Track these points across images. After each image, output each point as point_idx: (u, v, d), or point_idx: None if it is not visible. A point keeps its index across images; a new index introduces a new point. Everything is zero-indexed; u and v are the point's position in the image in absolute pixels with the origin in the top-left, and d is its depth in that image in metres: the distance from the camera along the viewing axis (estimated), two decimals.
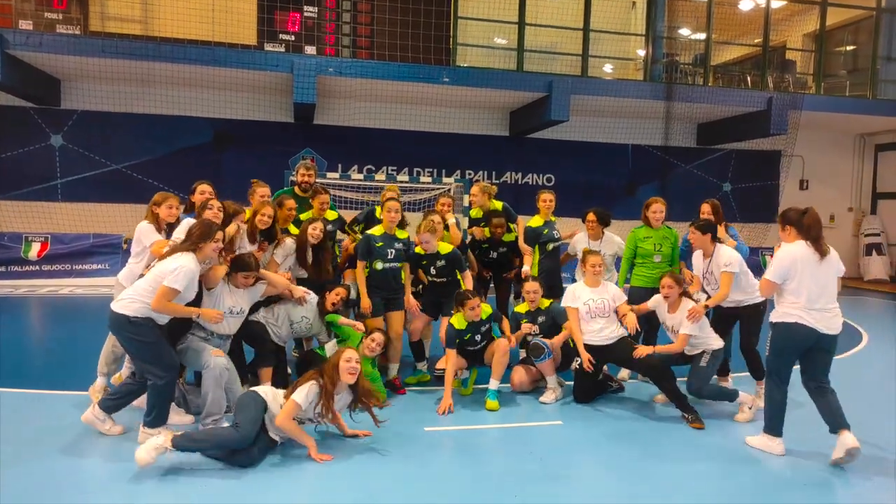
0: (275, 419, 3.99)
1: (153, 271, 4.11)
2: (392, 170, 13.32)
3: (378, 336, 4.99)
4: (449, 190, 11.87)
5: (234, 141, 12.71)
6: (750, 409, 5.01)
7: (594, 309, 5.23)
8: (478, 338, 5.33)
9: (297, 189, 6.27)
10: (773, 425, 4.35)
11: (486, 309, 5.30)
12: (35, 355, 6.82)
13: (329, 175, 11.24)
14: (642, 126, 13.83)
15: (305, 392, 4.02)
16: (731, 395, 5.06)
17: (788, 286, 4.24)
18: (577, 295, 5.29)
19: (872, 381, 6.39)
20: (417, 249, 5.58)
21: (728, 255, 5.09)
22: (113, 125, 12.19)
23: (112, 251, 11.47)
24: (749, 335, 5.29)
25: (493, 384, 5.08)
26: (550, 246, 6.31)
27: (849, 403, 5.40)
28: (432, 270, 5.61)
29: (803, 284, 4.19)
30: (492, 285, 6.69)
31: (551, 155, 14.11)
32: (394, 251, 5.42)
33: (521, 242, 6.26)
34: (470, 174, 13.72)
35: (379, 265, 5.41)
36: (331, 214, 6.18)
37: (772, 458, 4.27)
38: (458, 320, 5.23)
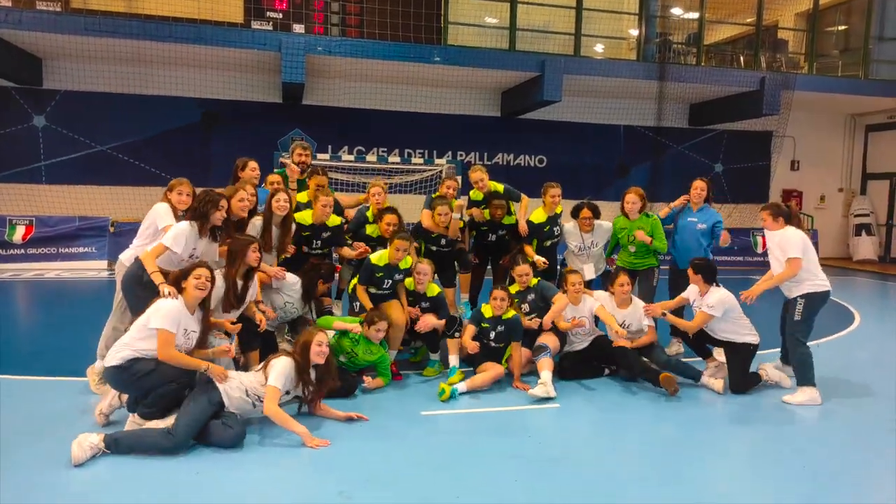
0: (263, 409, 3.97)
1: (139, 322, 4.02)
2: (383, 151, 13.17)
3: (381, 325, 5.01)
4: (441, 172, 11.77)
5: (222, 121, 12.51)
6: (716, 378, 5.30)
7: (575, 325, 5.46)
8: (492, 335, 5.32)
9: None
10: (808, 377, 5.02)
11: (510, 311, 5.38)
12: (21, 341, 6.70)
13: (319, 156, 11.08)
14: (635, 107, 13.75)
15: (280, 371, 4.00)
16: (696, 376, 5.33)
17: (808, 262, 5.06)
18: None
19: (866, 361, 6.41)
20: (408, 282, 5.53)
21: (714, 299, 5.24)
22: (97, 106, 11.94)
23: (99, 234, 11.26)
24: (736, 373, 5.25)
25: (463, 387, 5.00)
26: (548, 242, 6.26)
27: (843, 384, 5.49)
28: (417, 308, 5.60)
29: (812, 258, 5.10)
30: (489, 267, 6.63)
31: (543, 136, 14.01)
32: (391, 282, 5.43)
33: (520, 222, 6.16)
34: (461, 155, 13.60)
35: (372, 290, 5.45)
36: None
37: (764, 437, 4.26)
38: (486, 309, 5.37)
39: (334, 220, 5.73)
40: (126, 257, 4.75)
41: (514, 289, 5.67)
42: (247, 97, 12.52)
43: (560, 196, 6.19)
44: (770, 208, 5.24)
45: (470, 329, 5.30)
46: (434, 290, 5.59)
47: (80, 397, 4.65)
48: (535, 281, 5.70)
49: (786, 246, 5.06)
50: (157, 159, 11.95)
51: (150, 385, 3.94)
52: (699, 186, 6.14)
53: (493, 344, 5.32)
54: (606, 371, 5.56)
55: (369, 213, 6.02)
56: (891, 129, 15.51)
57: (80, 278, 10.23)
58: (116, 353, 3.97)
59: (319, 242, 5.69)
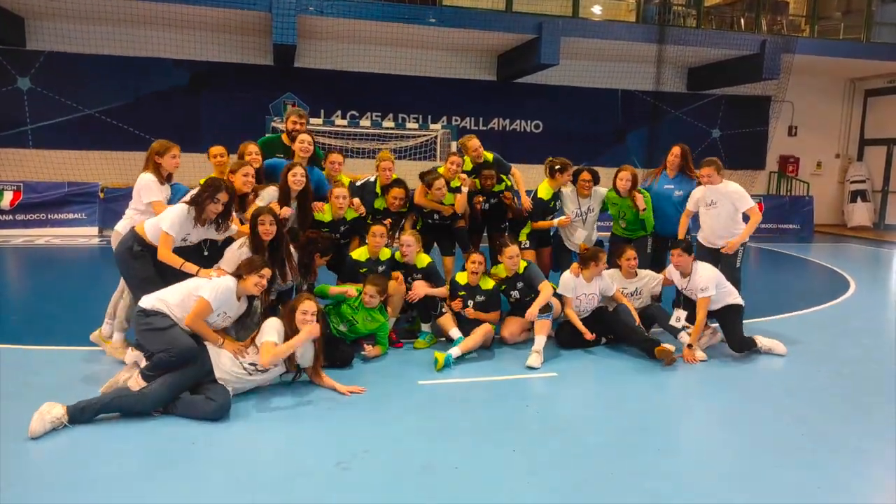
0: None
1: (189, 284, 4.02)
2: (377, 116, 12.95)
3: (370, 288, 4.92)
4: (436, 138, 11.60)
5: (212, 84, 12.25)
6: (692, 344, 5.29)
7: (584, 302, 5.48)
8: (470, 303, 5.31)
9: (285, 138, 5.90)
10: None
11: (488, 281, 5.39)
12: (11, 308, 6.61)
13: (312, 121, 10.86)
14: (633, 71, 13.53)
15: (271, 326, 4.03)
16: (672, 331, 5.47)
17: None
18: (573, 288, 5.45)
19: (862, 328, 6.41)
20: (396, 255, 5.41)
21: (705, 280, 5.23)
22: (84, 68, 11.66)
23: (88, 200, 11.06)
24: (734, 335, 5.29)
25: (457, 351, 4.96)
26: (550, 217, 6.19)
27: (840, 351, 5.50)
28: (409, 280, 5.49)
29: None
30: (485, 234, 6.55)
31: (539, 101, 13.81)
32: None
33: (525, 201, 6.09)
34: (457, 120, 13.39)
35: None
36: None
37: (765, 406, 4.27)
38: (461, 276, 5.37)
39: (351, 214, 5.55)
40: (121, 227, 4.68)
41: (502, 274, 5.55)
42: (237, 59, 12.25)
43: (570, 175, 6.09)
44: (714, 164, 5.64)
45: (454, 301, 5.33)
46: (424, 260, 5.51)
47: (74, 366, 4.59)
48: (523, 266, 5.51)
49: (737, 199, 5.62)
50: (146, 123, 11.71)
51: (149, 341, 3.89)
52: (675, 152, 6.11)
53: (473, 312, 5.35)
54: (603, 340, 5.54)
55: (378, 188, 5.85)
56: (891, 94, 15.36)
57: (71, 245, 10.10)
58: (151, 298, 3.98)
59: (338, 235, 5.58)
